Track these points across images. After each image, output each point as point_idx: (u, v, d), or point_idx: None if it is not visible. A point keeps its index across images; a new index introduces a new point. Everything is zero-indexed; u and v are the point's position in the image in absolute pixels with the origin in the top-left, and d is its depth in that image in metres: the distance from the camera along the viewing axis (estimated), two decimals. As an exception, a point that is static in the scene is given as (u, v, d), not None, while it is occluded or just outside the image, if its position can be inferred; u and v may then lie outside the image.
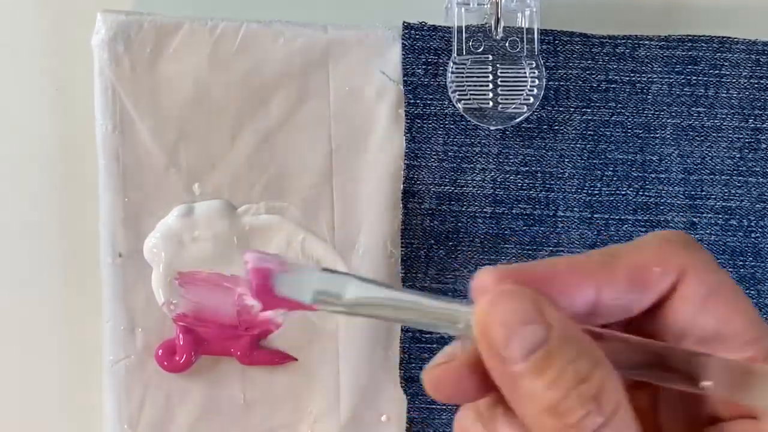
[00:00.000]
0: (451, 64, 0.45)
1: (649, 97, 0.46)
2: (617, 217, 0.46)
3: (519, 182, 0.46)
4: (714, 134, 0.46)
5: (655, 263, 0.27)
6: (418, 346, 0.45)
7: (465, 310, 0.26)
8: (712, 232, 0.46)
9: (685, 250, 0.28)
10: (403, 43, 0.45)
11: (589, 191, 0.46)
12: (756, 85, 0.46)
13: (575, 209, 0.46)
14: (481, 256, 0.45)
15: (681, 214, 0.46)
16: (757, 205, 0.46)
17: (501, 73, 0.45)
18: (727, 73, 0.46)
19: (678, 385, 0.27)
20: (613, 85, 0.46)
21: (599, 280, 0.27)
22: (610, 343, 0.26)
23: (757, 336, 0.27)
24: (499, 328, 0.25)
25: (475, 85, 0.45)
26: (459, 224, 0.46)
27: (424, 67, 0.45)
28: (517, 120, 0.45)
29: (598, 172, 0.46)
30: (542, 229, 0.46)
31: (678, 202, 0.46)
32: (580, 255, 0.28)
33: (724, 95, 0.46)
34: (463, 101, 0.45)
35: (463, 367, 0.27)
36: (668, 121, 0.46)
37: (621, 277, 0.27)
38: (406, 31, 0.45)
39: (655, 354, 0.27)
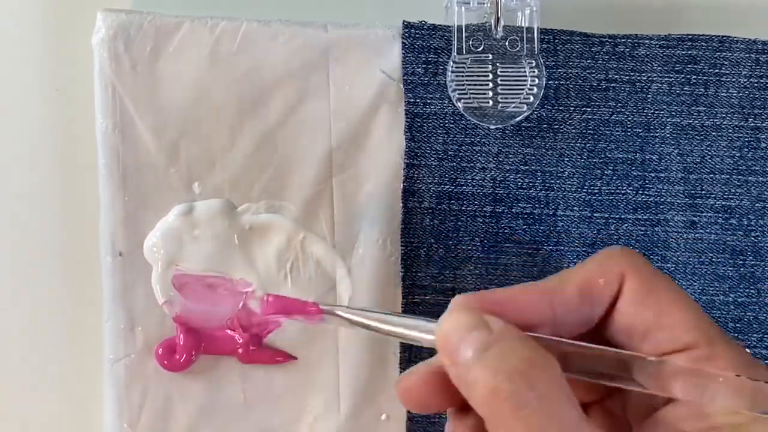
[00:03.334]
0: (451, 63, 0.45)
1: (648, 96, 0.46)
2: (617, 216, 0.46)
3: (519, 181, 0.46)
4: (714, 133, 0.46)
5: (599, 276, 0.32)
6: (418, 345, 0.45)
7: (434, 326, 0.32)
8: (712, 231, 0.46)
9: (623, 259, 0.32)
10: (403, 42, 0.45)
11: (589, 190, 0.46)
12: (756, 84, 0.46)
13: (575, 208, 0.46)
14: (480, 255, 0.45)
15: (681, 213, 0.46)
16: (757, 204, 0.46)
17: (501, 72, 0.45)
18: (727, 72, 0.46)
19: (637, 388, 0.31)
20: (612, 84, 0.46)
21: (552, 299, 0.32)
22: (570, 351, 0.32)
23: (694, 324, 0.31)
24: (452, 337, 0.31)
25: (475, 84, 0.45)
26: (459, 223, 0.46)
27: (424, 66, 0.46)
28: (517, 119, 0.45)
29: (598, 171, 0.46)
30: (542, 228, 0.46)
31: (678, 201, 0.46)
32: (543, 281, 0.33)
33: (723, 94, 0.46)
34: (463, 100, 0.45)
35: (429, 376, 0.32)
36: (668, 120, 0.46)
37: (571, 293, 0.32)
38: (406, 30, 0.46)
39: (615, 360, 0.32)
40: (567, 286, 0.32)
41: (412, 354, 0.45)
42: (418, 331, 0.33)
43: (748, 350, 0.33)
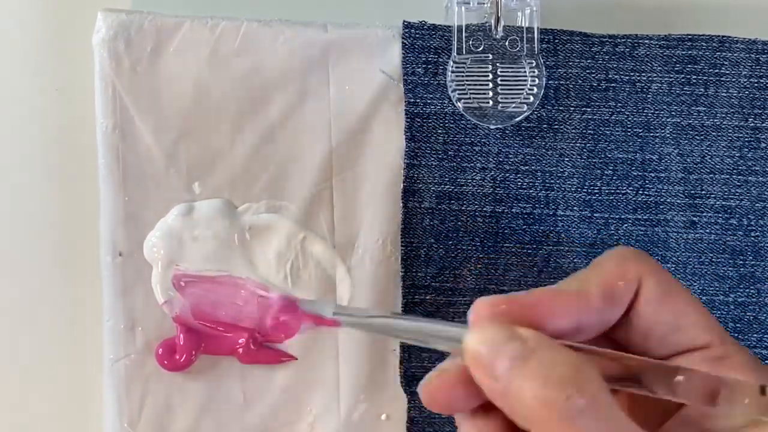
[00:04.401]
0: (451, 63, 0.45)
1: (648, 96, 0.46)
2: (617, 216, 0.46)
3: (519, 181, 0.46)
4: (714, 133, 0.46)
5: (618, 279, 0.33)
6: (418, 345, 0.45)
7: (462, 331, 0.31)
8: (712, 231, 0.46)
9: (639, 262, 0.33)
10: (403, 42, 0.45)
11: (589, 190, 0.46)
12: (756, 84, 0.46)
13: (575, 208, 0.46)
14: (480, 255, 0.45)
15: (681, 213, 0.46)
16: (757, 204, 0.46)
17: (501, 72, 0.45)
18: (727, 72, 0.46)
19: (654, 394, 0.31)
20: (612, 84, 0.46)
21: (579, 306, 0.32)
22: (589, 356, 0.31)
23: (709, 325, 0.32)
24: (485, 350, 0.30)
25: (475, 84, 0.45)
26: (459, 223, 0.46)
27: (424, 66, 0.46)
28: (517, 119, 0.45)
29: (598, 171, 0.46)
30: (542, 228, 0.46)
31: (678, 201, 0.46)
32: (560, 285, 0.33)
33: (723, 94, 0.46)
34: (463, 100, 0.45)
35: (456, 381, 0.32)
36: (668, 120, 0.46)
37: (595, 299, 0.32)
38: (406, 30, 0.46)
39: (632, 366, 0.32)
40: (590, 294, 0.32)
41: (412, 353, 0.45)
42: (443, 340, 0.32)
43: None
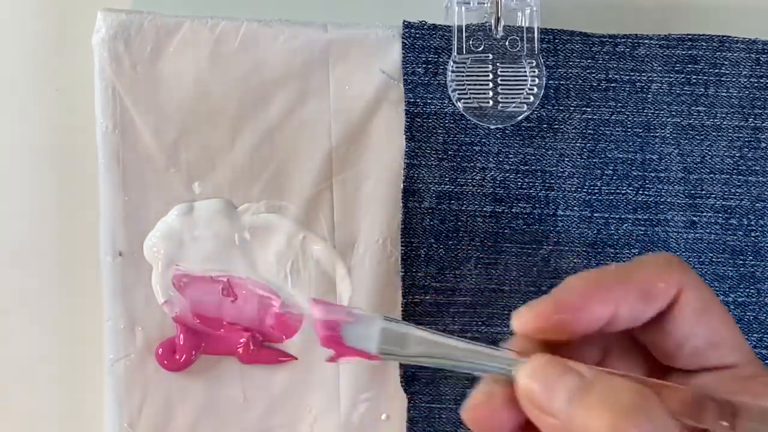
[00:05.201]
0: (451, 62, 0.45)
1: (649, 96, 0.46)
2: (617, 216, 0.46)
3: (519, 181, 0.46)
4: (714, 133, 0.46)
5: (659, 280, 0.32)
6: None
7: (512, 359, 0.31)
8: (712, 231, 0.46)
9: (681, 271, 0.33)
10: (403, 42, 0.45)
11: (589, 190, 0.46)
12: (756, 84, 0.46)
13: (575, 208, 0.46)
14: (480, 255, 0.45)
15: (681, 213, 0.46)
16: (757, 204, 0.46)
17: (501, 72, 0.45)
18: (727, 72, 0.46)
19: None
20: (613, 84, 0.46)
21: (617, 295, 0.32)
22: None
23: (739, 345, 0.33)
24: (540, 390, 0.30)
25: (475, 84, 0.45)
26: (459, 223, 0.46)
27: (424, 66, 0.46)
28: (517, 119, 0.45)
29: (598, 171, 0.46)
30: (542, 228, 0.46)
31: (678, 201, 0.46)
32: (599, 271, 0.33)
33: (724, 94, 0.46)
34: (463, 100, 0.45)
35: (502, 405, 0.31)
36: (668, 120, 0.46)
37: (633, 292, 0.32)
38: (407, 30, 0.46)
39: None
40: (630, 286, 0.32)
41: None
42: (492, 372, 0.32)
43: None
